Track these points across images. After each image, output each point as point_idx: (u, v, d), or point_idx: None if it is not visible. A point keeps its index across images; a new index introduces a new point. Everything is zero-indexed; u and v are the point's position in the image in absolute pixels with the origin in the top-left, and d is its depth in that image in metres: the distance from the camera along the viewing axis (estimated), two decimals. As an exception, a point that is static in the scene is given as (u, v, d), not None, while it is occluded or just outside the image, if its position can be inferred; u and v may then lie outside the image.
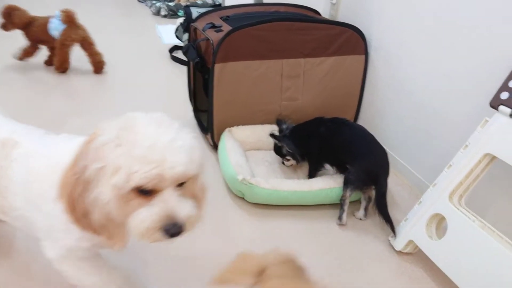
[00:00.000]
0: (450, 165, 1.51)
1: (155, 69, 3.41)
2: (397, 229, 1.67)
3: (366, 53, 2.26)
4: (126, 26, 4.75)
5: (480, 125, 1.44)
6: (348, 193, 1.77)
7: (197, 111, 2.52)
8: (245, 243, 1.68)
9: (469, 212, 1.44)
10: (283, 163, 2.10)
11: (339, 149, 1.85)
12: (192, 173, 0.91)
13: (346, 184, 1.78)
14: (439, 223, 1.56)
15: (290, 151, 1.97)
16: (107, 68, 3.25)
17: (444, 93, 1.81)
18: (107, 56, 3.25)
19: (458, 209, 1.45)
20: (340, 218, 1.80)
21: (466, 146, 1.47)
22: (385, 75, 2.17)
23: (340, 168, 1.90)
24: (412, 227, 1.59)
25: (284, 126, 2.03)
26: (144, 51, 3.79)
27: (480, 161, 1.42)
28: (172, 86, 3.08)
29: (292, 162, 2.04)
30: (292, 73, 2.18)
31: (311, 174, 1.99)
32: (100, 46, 3.19)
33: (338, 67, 2.24)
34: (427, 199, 1.56)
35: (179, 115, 2.60)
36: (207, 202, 1.10)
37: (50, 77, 3.12)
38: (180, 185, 0.93)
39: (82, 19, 3.08)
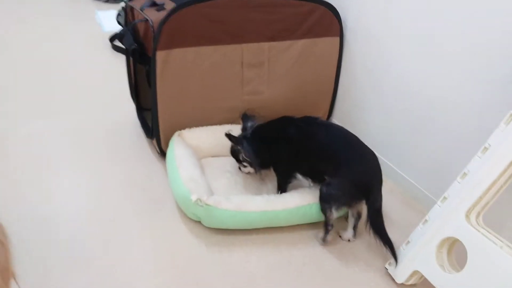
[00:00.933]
0: (465, 174, 1.17)
1: (94, 61, 2.89)
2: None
3: (341, 35, 1.90)
4: (62, 12, 4.15)
5: (503, 121, 1.10)
6: (333, 213, 1.41)
7: (141, 110, 2.07)
8: (203, 286, 1.28)
9: (493, 234, 1.10)
10: (239, 168, 1.71)
11: (313, 156, 1.48)
12: None
13: (328, 201, 1.41)
14: (451, 247, 1.22)
15: (246, 158, 1.57)
16: (37, 61, 2.71)
17: (442, 77, 1.47)
18: (38, 47, 2.71)
19: (478, 230, 1.12)
20: (323, 239, 1.46)
21: (486, 149, 1.13)
22: (365, 60, 1.81)
23: (316, 179, 1.53)
24: (417, 254, 1.25)
25: (249, 124, 1.63)
26: (81, 41, 3.25)
27: (505, 170, 1.09)
28: (113, 81, 2.58)
29: (250, 169, 1.65)
30: (254, 61, 1.77)
31: (281, 188, 1.61)
32: (30, 37, 2.65)
33: (309, 52, 1.86)
34: (436, 217, 1.22)
35: (120, 115, 2.15)
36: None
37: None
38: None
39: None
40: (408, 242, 1.30)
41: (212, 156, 1.80)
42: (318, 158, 1.47)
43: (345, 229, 1.49)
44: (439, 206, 1.22)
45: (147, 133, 1.92)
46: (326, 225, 1.43)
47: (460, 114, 1.43)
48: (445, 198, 1.21)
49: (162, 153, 1.80)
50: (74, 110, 2.20)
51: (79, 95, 2.38)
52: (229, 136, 1.56)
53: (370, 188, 1.38)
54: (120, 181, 1.69)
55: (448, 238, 1.19)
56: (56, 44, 3.11)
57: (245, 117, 1.65)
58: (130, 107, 2.09)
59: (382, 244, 1.35)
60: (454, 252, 1.23)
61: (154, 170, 1.77)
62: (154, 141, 1.81)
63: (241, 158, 1.61)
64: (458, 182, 1.18)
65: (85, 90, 2.46)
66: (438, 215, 1.21)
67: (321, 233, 1.46)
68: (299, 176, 1.56)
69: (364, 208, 1.43)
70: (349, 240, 1.48)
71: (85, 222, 1.48)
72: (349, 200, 1.41)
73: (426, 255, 1.23)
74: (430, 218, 1.24)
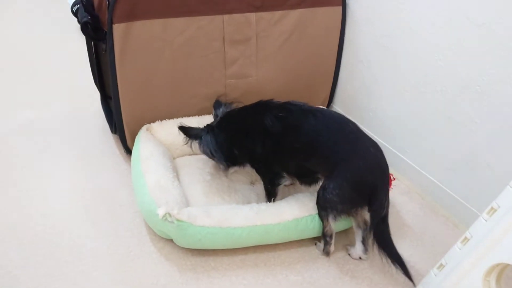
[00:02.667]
0: (524, 178, 0.85)
1: (60, 43, 2.53)
2: (421, 280, 1.02)
3: (344, 4, 1.57)
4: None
5: None
6: (330, 222, 1.12)
7: (107, 100, 1.73)
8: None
9: None
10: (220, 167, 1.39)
11: (300, 152, 1.16)
12: None
13: (324, 208, 1.11)
14: (500, 273, 0.92)
15: (209, 153, 1.25)
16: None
17: (475, 52, 1.14)
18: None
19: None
20: (324, 251, 1.18)
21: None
22: (373, 33, 1.48)
23: (307, 180, 1.23)
24: (458, 283, 0.94)
25: (219, 111, 1.30)
26: (47, 19, 2.88)
27: None
28: (79, 65, 2.23)
29: (235, 168, 1.32)
30: (238, 36, 1.45)
31: (269, 192, 1.29)
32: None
33: (305, 25, 1.54)
34: (481, 236, 0.91)
35: (84, 105, 1.82)
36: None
37: None
38: None
39: None
40: (442, 266, 0.99)
41: (190, 155, 1.47)
42: (306, 154, 1.16)
43: (352, 244, 1.18)
44: (486, 221, 0.91)
45: (112, 128, 1.59)
46: (324, 236, 1.15)
47: (500, 97, 1.11)
48: (493, 209, 0.90)
49: (129, 152, 1.47)
50: (32, 102, 1.86)
51: (39, 85, 2.04)
52: (183, 129, 1.24)
53: (373, 191, 1.08)
54: (77, 188, 1.37)
55: (499, 264, 0.89)
56: (16, 24, 2.74)
57: (217, 105, 1.32)
58: (97, 96, 1.75)
59: (390, 262, 1.08)
60: (504, 279, 0.93)
61: (120, 173, 1.45)
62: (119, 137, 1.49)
63: (201, 151, 1.28)
64: (513, 188, 0.87)
65: (47, 78, 2.12)
66: (485, 232, 0.90)
67: (322, 244, 1.17)
68: (286, 176, 1.26)
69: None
70: (360, 258, 1.17)
71: (26, 242, 1.16)
72: (348, 207, 1.11)
73: (470, 285, 0.92)
74: (473, 236, 0.93)
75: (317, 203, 1.13)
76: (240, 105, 1.29)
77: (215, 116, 1.30)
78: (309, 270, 1.13)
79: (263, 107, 1.21)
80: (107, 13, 1.25)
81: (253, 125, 1.20)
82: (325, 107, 1.20)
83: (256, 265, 1.14)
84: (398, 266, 1.08)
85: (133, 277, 1.08)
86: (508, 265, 0.88)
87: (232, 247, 1.15)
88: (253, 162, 1.26)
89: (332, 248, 1.16)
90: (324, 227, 1.14)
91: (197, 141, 1.25)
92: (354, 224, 1.17)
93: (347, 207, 1.11)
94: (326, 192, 1.09)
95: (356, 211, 1.13)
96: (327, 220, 1.12)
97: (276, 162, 1.22)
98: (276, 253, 1.18)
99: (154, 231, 1.19)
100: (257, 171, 1.29)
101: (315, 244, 1.21)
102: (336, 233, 1.22)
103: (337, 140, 1.12)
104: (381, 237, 1.10)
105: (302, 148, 1.15)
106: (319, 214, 1.14)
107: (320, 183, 1.17)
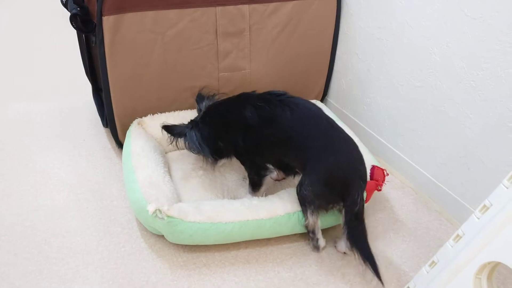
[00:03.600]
0: (517, 176, 0.84)
1: (52, 34, 2.49)
2: (413, 277, 1.02)
3: (339, -5, 1.55)
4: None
5: None
6: (309, 217, 1.11)
7: (99, 92, 1.71)
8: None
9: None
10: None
11: (276, 146, 1.16)
12: None
13: (302, 203, 1.12)
14: (491, 271, 0.91)
15: (195, 148, 1.23)
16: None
17: (475, 45, 1.13)
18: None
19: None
20: (314, 246, 1.17)
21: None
22: (370, 25, 1.46)
23: (288, 171, 1.25)
24: (450, 281, 0.94)
25: (202, 105, 1.29)
26: (39, 10, 2.83)
27: None
28: (72, 57, 2.20)
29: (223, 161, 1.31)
30: (232, 28, 1.42)
31: (253, 182, 1.27)
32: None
33: (299, 17, 1.52)
34: (474, 234, 0.90)
35: (75, 97, 1.80)
36: None
37: None
38: None
39: None
40: (434, 263, 0.99)
41: (181, 150, 1.45)
42: (283, 149, 1.15)
43: (340, 238, 1.18)
44: (478, 219, 0.90)
45: (103, 121, 1.57)
46: (307, 231, 1.15)
47: (495, 93, 1.10)
48: (485, 207, 0.89)
49: (121, 146, 1.46)
50: (22, 94, 1.84)
51: (29, 77, 2.01)
52: (166, 128, 1.23)
53: (346, 187, 1.07)
54: (67, 182, 1.35)
55: (490, 262, 0.88)
56: (9, 19, 2.70)
57: (199, 98, 1.31)
58: (89, 89, 1.73)
59: (361, 260, 1.06)
60: (495, 276, 0.93)
61: (111, 167, 1.43)
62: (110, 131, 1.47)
63: (187, 148, 1.27)
64: (506, 187, 0.86)
65: (37, 70, 2.08)
66: (478, 230, 0.90)
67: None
68: (271, 167, 1.25)
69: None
70: (344, 253, 1.17)
71: (14, 238, 1.14)
72: (324, 204, 1.11)
73: (461, 283, 0.92)
74: (465, 234, 0.92)
75: (298, 198, 1.13)
76: (223, 97, 1.28)
77: (199, 110, 1.29)
78: (301, 266, 1.13)
79: (245, 99, 1.20)
80: (97, 4, 1.22)
81: (235, 117, 1.19)
82: (305, 99, 1.18)
83: (248, 262, 1.13)
84: (368, 265, 1.05)
85: (123, 274, 1.07)
86: (499, 263, 0.88)
87: (223, 243, 1.14)
88: (237, 154, 1.25)
89: (321, 243, 1.16)
90: (304, 222, 1.13)
91: (181, 138, 1.24)
92: (341, 221, 1.16)
93: (322, 203, 1.11)
94: (302, 188, 1.10)
95: (333, 207, 1.13)
96: (306, 215, 1.12)
97: (257, 155, 1.21)
98: (268, 249, 1.17)
99: (145, 227, 1.17)
100: (242, 163, 1.28)
101: (308, 240, 1.20)
102: (328, 229, 1.21)
103: (311, 136, 1.11)
104: (353, 233, 1.09)
105: (278, 142, 1.14)
106: (302, 209, 1.14)
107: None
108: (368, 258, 1.06)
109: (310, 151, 1.09)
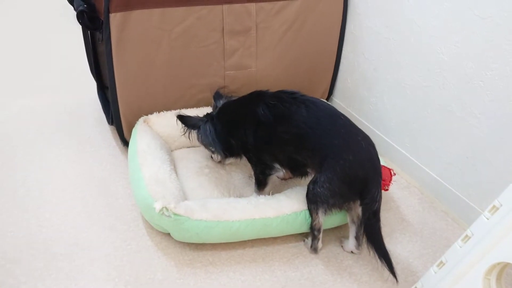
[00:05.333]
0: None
1: (57, 31, 2.49)
2: (421, 277, 1.01)
3: (346, -6, 1.54)
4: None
5: None
6: (319, 216, 1.11)
7: (104, 90, 1.70)
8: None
9: None
10: (211, 157, 1.42)
11: (290, 144, 1.15)
12: None
13: (314, 202, 1.10)
14: (501, 271, 0.91)
15: (208, 143, 1.24)
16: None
17: (484, 45, 1.12)
18: None
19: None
20: (312, 247, 1.17)
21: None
22: (376, 23, 1.46)
23: (297, 171, 1.24)
24: (458, 282, 0.93)
25: (220, 102, 1.30)
26: (44, 6, 2.83)
27: None
28: (76, 54, 2.20)
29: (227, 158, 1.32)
30: (238, 26, 1.42)
31: (259, 181, 1.27)
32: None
33: (306, 15, 1.51)
34: (483, 234, 0.90)
35: (80, 94, 1.80)
36: None
37: None
38: None
39: None
40: (442, 263, 0.98)
41: (188, 147, 1.46)
42: (296, 146, 1.14)
43: (347, 237, 1.17)
44: (487, 219, 0.90)
45: (108, 119, 1.56)
46: (312, 230, 1.14)
47: (504, 93, 1.10)
48: (495, 207, 0.89)
49: (126, 144, 1.45)
50: (27, 91, 1.84)
51: (35, 73, 2.01)
52: (181, 118, 1.23)
53: (365, 185, 1.06)
54: (72, 180, 1.35)
55: (499, 263, 0.88)
56: (13, 13, 2.70)
57: (217, 96, 1.31)
58: (93, 86, 1.72)
59: (377, 257, 1.07)
60: (504, 277, 0.92)
61: (117, 165, 1.43)
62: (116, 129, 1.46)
63: (201, 143, 1.27)
64: (517, 186, 0.85)
65: (42, 67, 2.08)
66: (487, 231, 0.89)
67: (309, 239, 1.16)
68: (278, 166, 1.25)
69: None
70: (352, 252, 1.17)
71: (20, 235, 1.14)
72: (340, 201, 1.10)
73: (470, 283, 0.91)
74: (474, 234, 0.92)
75: (307, 196, 1.12)
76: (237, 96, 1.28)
77: (215, 107, 1.29)
78: (308, 265, 1.12)
79: (257, 97, 1.20)
80: (104, 1, 1.22)
81: (247, 114, 1.19)
82: (319, 98, 1.18)
83: (254, 260, 1.13)
84: (384, 262, 1.07)
85: (130, 272, 1.07)
86: (509, 263, 0.87)
87: (230, 241, 1.14)
88: (245, 151, 1.25)
89: (320, 244, 1.15)
90: (312, 221, 1.13)
91: (195, 130, 1.24)
92: (348, 219, 1.17)
93: (338, 201, 1.10)
94: (316, 186, 1.08)
95: (348, 205, 1.13)
96: (317, 213, 1.11)
97: (267, 152, 1.21)
98: (275, 248, 1.17)
99: (151, 224, 1.17)
100: (249, 160, 1.28)
101: (303, 241, 1.20)
102: (333, 228, 1.21)
103: (328, 134, 1.11)
104: (371, 231, 1.09)
105: (292, 139, 1.13)
106: (308, 208, 1.13)
107: (311, 176, 1.16)
108: (384, 256, 1.07)
109: (327, 149, 1.09)
